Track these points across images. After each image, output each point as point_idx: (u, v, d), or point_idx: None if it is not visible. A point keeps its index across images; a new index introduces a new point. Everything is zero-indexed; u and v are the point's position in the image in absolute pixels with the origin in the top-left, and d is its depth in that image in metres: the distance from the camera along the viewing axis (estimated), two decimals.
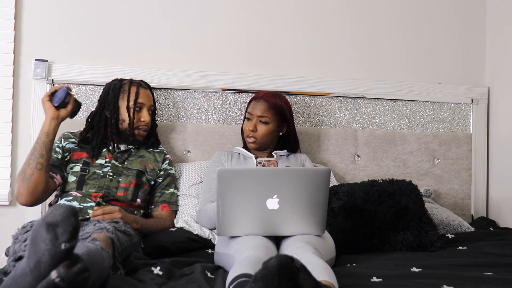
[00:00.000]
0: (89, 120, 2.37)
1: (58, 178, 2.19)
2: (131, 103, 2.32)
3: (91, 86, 2.67)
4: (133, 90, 2.35)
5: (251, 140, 2.42)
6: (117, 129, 2.32)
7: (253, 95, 2.60)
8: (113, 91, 2.35)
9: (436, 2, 3.06)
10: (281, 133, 2.49)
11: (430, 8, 3.05)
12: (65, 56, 2.70)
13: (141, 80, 2.45)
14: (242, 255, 1.62)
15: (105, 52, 2.75)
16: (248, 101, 2.54)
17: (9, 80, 2.63)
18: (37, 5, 2.69)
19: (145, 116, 2.35)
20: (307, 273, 1.26)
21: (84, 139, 2.32)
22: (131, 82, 2.39)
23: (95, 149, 2.27)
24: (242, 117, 2.61)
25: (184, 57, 2.83)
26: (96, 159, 2.27)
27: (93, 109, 2.45)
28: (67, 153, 2.27)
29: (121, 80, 2.41)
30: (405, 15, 3.03)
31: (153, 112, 2.45)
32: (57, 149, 2.26)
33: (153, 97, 2.45)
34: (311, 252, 1.62)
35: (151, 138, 2.44)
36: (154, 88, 2.70)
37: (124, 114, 2.33)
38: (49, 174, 2.12)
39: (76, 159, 2.25)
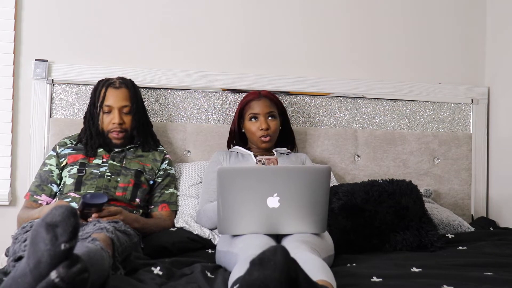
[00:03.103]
0: (84, 121, 2.39)
1: (43, 198, 2.23)
2: (98, 109, 2.30)
3: (91, 86, 2.65)
4: (102, 92, 2.31)
5: (266, 138, 2.42)
6: (96, 133, 2.31)
7: None
8: (93, 92, 2.35)
9: (436, 2, 3.06)
10: (280, 127, 2.52)
11: (430, 8, 3.05)
12: (65, 56, 2.70)
13: (119, 78, 2.37)
14: (247, 254, 1.61)
15: (105, 52, 2.74)
16: (241, 104, 2.51)
17: (9, 80, 2.63)
18: (37, 5, 2.69)
19: (115, 118, 2.28)
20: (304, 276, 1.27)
21: (80, 140, 2.33)
22: (104, 83, 2.34)
23: (88, 150, 2.28)
24: (233, 120, 2.57)
25: (184, 57, 2.83)
26: (94, 159, 2.27)
27: None
28: (63, 159, 2.28)
29: (100, 81, 2.37)
30: (405, 15, 3.03)
31: (135, 111, 2.34)
32: (47, 161, 2.30)
33: (134, 95, 2.35)
34: (307, 251, 1.62)
35: (148, 140, 2.41)
36: (155, 88, 2.71)
37: (100, 118, 2.31)
38: (34, 198, 2.22)
39: (72, 162, 2.26)
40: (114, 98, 2.30)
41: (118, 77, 2.39)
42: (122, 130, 2.30)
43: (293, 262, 1.25)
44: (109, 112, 2.30)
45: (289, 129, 2.61)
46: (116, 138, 2.31)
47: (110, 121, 2.29)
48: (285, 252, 1.24)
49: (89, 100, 2.63)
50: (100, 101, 2.30)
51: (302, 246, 1.66)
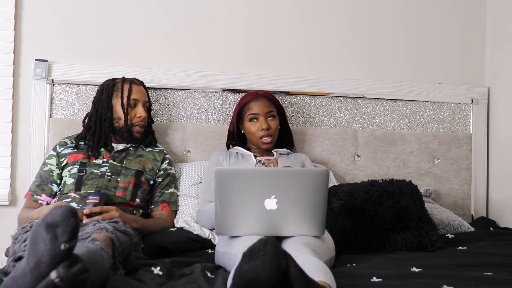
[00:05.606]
0: (85, 121, 2.39)
1: (43, 198, 2.24)
2: (125, 100, 2.34)
3: (91, 86, 2.67)
4: (126, 87, 2.37)
5: (268, 139, 2.42)
6: (112, 128, 2.34)
7: None
8: (106, 90, 2.37)
9: (436, 2, 3.06)
10: (279, 127, 2.52)
11: (430, 8, 3.05)
12: (65, 56, 2.70)
13: (134, 78, 2.46)
14: None
15: (105, 52, 2.75)
16: (239, 106, 2.50)
17: (9, 80, 2.63)
18: (37, 5, 2.69)
19: (140, 111, 2.36)
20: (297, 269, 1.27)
21: (81, 140, 2.33)
22: (124, 80, 2.41)
23: (93, 150, 2.28)
24: (231, 121, 2.56)
25: (184, 57, 2.83)
26: (95, 159, 2.27)
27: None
28: (63, 158, 2.29)
29: (114, 79, 2.42)
30: (405, 15, 3.03)
31: (148, 109, 2.46)
32: (47, 161, 2.30)
33: (147, 93, 2.46)
34: (308, 254, 1.62)
35: (148, 135, 2.45)
36: (155, 88, 2.71)
37: (119, 112, 2.34)
38: (34, 198, 2.22)
39: (73, 162, 2.26)
40: (139, 93, 2.39)
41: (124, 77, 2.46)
42: (144, 124, 2.39)
43: (284, 253, 1.25)
44: (134, 106, 2.36)
45: (288, 129, 2.61)
46: (138, 132, 2.37)
47: (135, 115, 2.35)
48: (275, 243, 1.24)
49: (89, 100, 2.65)
50: (127, 95, 2.35)
51: (304, 248, 1.66)
